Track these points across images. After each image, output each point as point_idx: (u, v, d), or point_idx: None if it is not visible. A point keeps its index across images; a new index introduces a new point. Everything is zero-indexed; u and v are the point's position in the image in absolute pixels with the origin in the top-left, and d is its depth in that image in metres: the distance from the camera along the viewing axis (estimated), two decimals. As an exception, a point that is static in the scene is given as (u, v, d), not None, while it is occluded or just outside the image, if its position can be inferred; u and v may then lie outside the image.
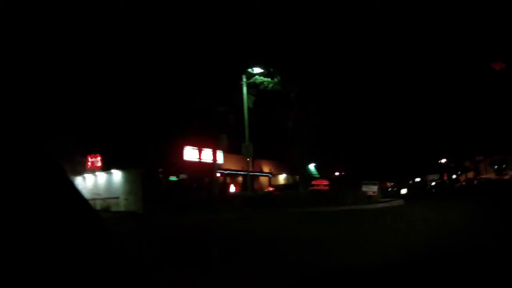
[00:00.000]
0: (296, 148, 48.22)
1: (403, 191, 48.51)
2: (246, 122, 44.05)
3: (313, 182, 60.78)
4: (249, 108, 46.12)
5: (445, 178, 73.99)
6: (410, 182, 59.29)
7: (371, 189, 38.07)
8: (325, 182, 57.80)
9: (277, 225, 23.71)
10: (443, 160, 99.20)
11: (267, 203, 37.86)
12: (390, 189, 48.87)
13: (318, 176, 73.43)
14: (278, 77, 45.16)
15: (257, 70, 44.70)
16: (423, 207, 33.69)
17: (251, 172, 65.75)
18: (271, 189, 59.39)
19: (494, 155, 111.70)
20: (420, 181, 66.43)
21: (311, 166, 76.50)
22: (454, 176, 79.98)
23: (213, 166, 52.87)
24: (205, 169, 55.57)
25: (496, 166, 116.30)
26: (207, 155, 55.27)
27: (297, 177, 73.31)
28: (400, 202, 37.95)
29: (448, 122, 77.79)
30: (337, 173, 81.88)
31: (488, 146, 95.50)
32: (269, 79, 45.33)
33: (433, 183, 69.97)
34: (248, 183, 47.81)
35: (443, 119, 76.46)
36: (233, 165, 62.97)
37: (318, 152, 68.32)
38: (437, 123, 75.65)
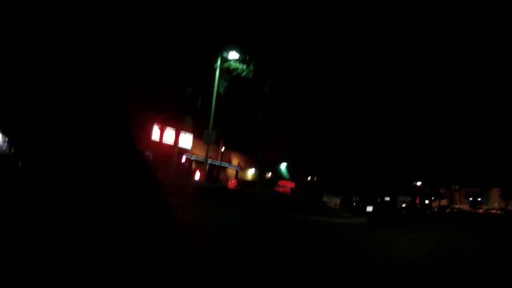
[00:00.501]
0: (261, 144, 43.70)
1: (369, 208, 43.22)
2: (213, 107, 39.59)
3: (280, 183, 57.18)
4: (220, 95, 41.49)
5: (417, 202, 69.21)
6: (378, 200, 53.79)
7: (333, 200, 33.63)
8: (291, 185, 53.57)
9: (207, 219, 20.54)
10: (418, 183, 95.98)
11: (217, 196, 33.03)
12: (355, 204, 43.60)
13: (287, 177, 69.43)
14: (253, 66, 40.60)
15: (232, 55, 39.96)
16: (388, 231, 28.80)
17: (219, 162, 62.20)
18: (233, 182, 54.52)
19: (471, 187, 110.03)
20: (389, 201, 60.85)
21: (282, 166, 72.52)
22: (426, 201, 75.50)
23: (174, 148, 48.29)
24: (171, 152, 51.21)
25: (471, 198, 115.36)
26: (171, 137, 50.79)
27: (268, 174, 69.58)
28: (363, 220, 33.04)
29: (429, 145, 74.82)
30: (310, 178, 76.98)
31: (466, 176, 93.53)
32: (243, 66, 40.72)
33: (404, 205, 64.53)
34: (205, 172, 43.72)
35: (424, 141, 73.41)
36: (201, 152, 58.27)
37: (289, 151, 64.59)
38: (418, 144, 72.38)
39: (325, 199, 34.10)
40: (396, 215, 50.00)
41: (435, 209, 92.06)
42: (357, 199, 45.83)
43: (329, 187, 38.70)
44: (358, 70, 46.05)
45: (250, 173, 69.74)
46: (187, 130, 53.01)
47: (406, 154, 71.35)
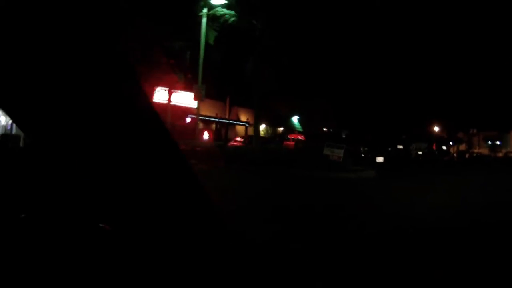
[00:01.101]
0: (255, 95, 40.44)
1: (379, 159, 38.15)
2: (201, 60, 35.95)
3: (289, 136, 55.28)
4: (211, 47, 37.67)
5: (434, 148, 64.19)
6: (390, 149, 47.97)
7: (335, 153, 29.45)
8: (301, 138, 49.96)
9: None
10: (436, 129, 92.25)
11: (212, 156, 29.37)
12: (363, 155, 38.22)
13: (299, 130, 65.90)
14: (238, 9, 36.87)
15: (219, 0, 35.63)
16: (402, 183, 24.53)
17: (227, 119, 58.88)
18: (238, 139, 50.86)
19: (489, 130, 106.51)
20: (402, 149, 54.73)
21: (294, 119, 69.06)
22: (444, 147, 70.33)
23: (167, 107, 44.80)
24: (179, 113, 47.76)
25: (490, 142, 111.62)
26: (179, 98, 47.26)
27: (280, 128, 66.08)
28: (371, 173, 28.60)
29: (444, 88, 71.45)
30: (325, 129, 72.64)
31: (484, 120, 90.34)
32: (232, 12, 36.62)
33: (420, 152, 58.95)
34: (197, 131, 41.56)
35: (439, 85, 70.08)
36: (208, 111, 54.97)
37: (300, 103, 61.23)
38: (433, 87, 68.79)
39: (326, 151, 29.91)
40: (411, 164, 44.79)
41: (454, 154, 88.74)
42: (365, 149, 40.16)
43: (332, 138, 34.61)
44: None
45: (261, 128, 66.04)
46: (179, 86, 48.21)
47: (421, 97, 68.08)
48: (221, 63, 42.88)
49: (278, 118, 63.85)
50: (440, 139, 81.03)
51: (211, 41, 38.19)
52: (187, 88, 46.61)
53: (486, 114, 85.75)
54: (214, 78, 44.99)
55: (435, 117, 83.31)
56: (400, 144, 54.32)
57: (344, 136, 55.47)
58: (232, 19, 37.00)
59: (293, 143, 48.59)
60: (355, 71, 57.15)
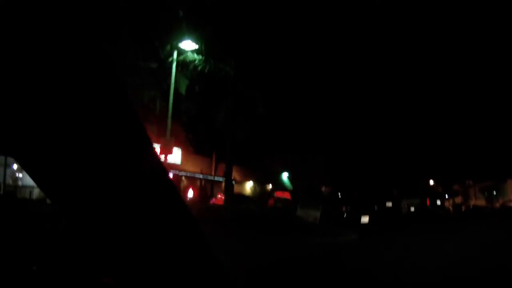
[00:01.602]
0: (226, 148, 38.10)
1: (364, 219, 33.54)
2: (170, 112, 33.07)
3: (275, 194, 53.25)
4: (181, 95, 35.03)
5: (428, 203, 60.17)
6: (376, 207, 43.05)
7: (310, 214, 26.14)
8: (286, 196, 47.04)
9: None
10: (431, 182, 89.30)
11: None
12: (346, 215, 33.83)
13: (289, 187, 62.98)
14: (204, 55, 34.27)
15: (188, 45, 32.57)
16: (386, 249, 21.15)
17: (212, 176, 56.19)
18: (220, 197, 47.73)
19: (484, 181, 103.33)
20: (392, 206, 49.99)
21: (284, 176, 66.08)
22: (438, 202, 66.65)
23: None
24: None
25: (486, 193, 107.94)
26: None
27: (269, 186, 63.14)
28: (351, 237, 24.81)
29: (437, 142, 69.18)
30: (317, 186, 69.31)
31: (479, 171, 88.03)
32: (201, 57, 33.84)
33: (412, 209, 54.20)
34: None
35: (432, 138, 67.77)
36: (193, 167, 52.26)
37: (290, 159, 58.78)
38: (425, 139, 66.35)
39: (299, 213, 26.70)
40: (401, 223, 40.55)
41: (450, 208, 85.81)
42: (348, 208, 35.50)
43: (306, 198, 31.35)
44: (354, 60, 40.96)
45: (249, 186, 63.00)
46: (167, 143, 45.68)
47: (414, 151, 65.63)
48: (197, 114, 41.42)
49: (266, 175, 61.11)
50: (434, 193, 77.31)
51: (183, 90, 35.49)
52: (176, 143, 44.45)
53: (481, 164, 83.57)
54: (199, 132, 42.91)
55: (429, 170, 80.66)
56: (389, 201, 49.53)
57: (327, 194, 52.19)
58: (202, 65, 34.19)
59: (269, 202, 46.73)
60: (344, 123, 54.89)
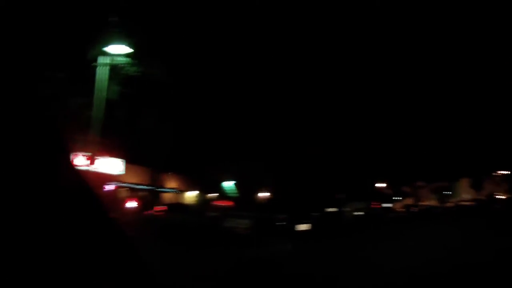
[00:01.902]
0: (149, 154, 36.46)
1: (302, 227, 30.77)
2: (95, 118, 30.44)
3: (216, 202, 51.90)
4: (113, 102, 32.52)
5: (374, 206, 57.92)
6: (315, 214, 38.82)
7: (240, 224, 23.98)
8: (229, 204, 44.94)
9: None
10: (381, 185, 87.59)
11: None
12: (281, 223, 30.78)
13: (235, 195, 60.73)
14: (132, 58, 31.97)
15: (116, 48, 29.99)
16: (321, 260, 19.00)
17: (154, 187, 54.17)
18: (159, 208, 45.26)
19: (437, 182, 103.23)
20: (334, 212, 46.54)
21: (228, 184, 63.76)
22: (385, 205, 64.07)
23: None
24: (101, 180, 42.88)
25: (438, 193, 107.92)
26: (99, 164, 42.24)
27: (215, 195, 61.00)
28: (285, 248, 22.34)
29: (386, 144, 67.60)
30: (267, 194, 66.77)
31: (430, 172, 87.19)
32: (130, 61, 31.46)
33: (358, 213, 51.67)
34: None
35: (380, 140, 66.13)
36: (134, 178, 49.99)
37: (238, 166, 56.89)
38: (374, 143, 64.70)
39: (228, 223, 24.52)
40: (344, 229, 38.22)
41: (402, 209, 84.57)
42: (283, 216, 32.17)
43: (237, 207, 29.16)
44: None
45: (191, 195, 60.85)
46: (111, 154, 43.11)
47: (360, 155, 63.81)
48: (132, 122, 38.58)
49: (212, 184, 59.15)
50: (382, 196, 75.11)
51: (115, 96, 33.18)
52: (111, 154, 42.17)
53: (432, 165, 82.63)
54: (141, 142, 41.18)
55: (378, 173, 78.94)
56: (331, 207, 46.39)
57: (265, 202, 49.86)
58: (131, 69, 31.90)
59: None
60: (287, 126, 53.30)
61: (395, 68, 58.13)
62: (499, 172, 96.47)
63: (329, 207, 44.69)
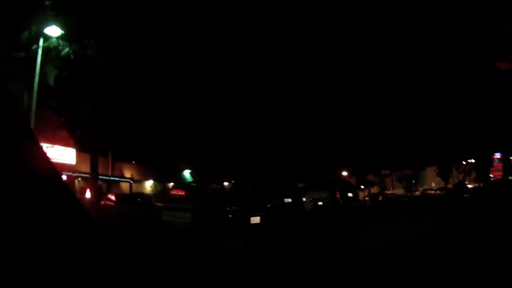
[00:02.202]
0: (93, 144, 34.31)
1: (254, 219, 26.81)
2: (34, 104, 27.75)
3: (172, 192, 47.48)
4: (50, 87, 29.75)
5: (338, 196, 54.13)
6: (269, 205, 33.88)
7: (180, 218, 21.17)
8: (181, 192, 42.30)
9: None
10: (344, 173, 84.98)
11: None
12: (231, 215, 26.80)
13: (194, 184, 58.23)
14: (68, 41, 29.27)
15: (54, 31, 27.30)
16: (274, 259, 16.16)
17: (108, 176, 51.81)
18: (110, 197, 42.38)
19: (402, 170, 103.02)
20: (292, 202, 41.97)
21: (186, 173, 61.47)
22: (350, 194, 60.59)
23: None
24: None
25: (404, 181, 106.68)
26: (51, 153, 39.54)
27: (170, 184, 58.35)
28: (236, 244, 19.28)
29: (350, 130, 65.66)
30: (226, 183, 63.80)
31: (396, 160, 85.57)
32: (66, 44, 28.82)
33: (320, 203, 47.79)
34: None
35: (344, 127, 64.16)
36: (86, 167, 47.44)
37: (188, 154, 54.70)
38: (337, 130, 62.64)
39: (165, 216, 21.78)
40: (303, 220, 34.96)
41: (366, 198, 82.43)
42: (234, 207, 27.99)
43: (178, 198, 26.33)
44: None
45: (149, 185, 58.18)
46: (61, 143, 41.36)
47: (321, 140, 61.56)
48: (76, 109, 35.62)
49: (168, 173, 56.73)
50: (346, 185, 71.52)
51: (51, 81, 30.27)
52: (64, 142, 40.80)
53: (398, 154, 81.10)
54: (92, 130, 38.95)
55: (341, 161, 76.70)
56: (288, 197, 42.59)
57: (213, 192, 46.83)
58: (66, 50, 29.14)
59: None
60: (246, 115, 51.43)
61: (364, 55, 57.42)
62: (467, 160, 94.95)
63: (285, 198, 41.22)
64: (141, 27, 34.22)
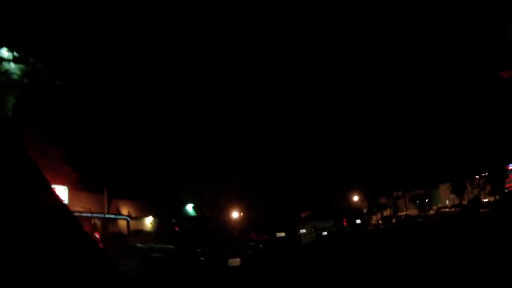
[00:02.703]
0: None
1: (234, 261, 19.84)
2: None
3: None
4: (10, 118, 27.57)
5: (345, 224, 49.30)
6: (252, 243, 27.65)
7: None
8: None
9: None
10: (355, 198, 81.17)
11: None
12: (204, 258, 21.34)
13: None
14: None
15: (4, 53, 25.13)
16: None
17: (103, 214, 49.73)
18: (96, 236, 39.26)
19: (415, 190, 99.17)
20: (285, 236, 35.93)
21: (189, 208, 58.52)
22: (358, 220, 55.46)
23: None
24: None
25: (418, 201, 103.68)
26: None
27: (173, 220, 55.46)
28: None
29: (357, 154, 62.84)
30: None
31: (407, 180, 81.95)
32: (16, 65, 26.52)
33: (325, 233, 43.05)
34: None
35: (351, 151, 61.31)
36: (83, 205, 47.07)
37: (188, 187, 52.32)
38: (342, 154, 59.85)
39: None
40: (301, 256, 29.22)
41: (380, 222, 79.43)
42: (207, 248, 21.22)
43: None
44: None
45: (148, 222, 55.31)
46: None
47: (327, 165, 58.52)
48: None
49: (169, 208, 54.04)
50: (353, 211, 66.10)
51: (9, 112, 27.91)
52: (57, 180, 38.59)
53: (409, 173, 78.16)
54: (89, 167, 37.65)
55: (351, 186, 73.41)
56: (281, 230, 36.29)
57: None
58: (17, 73, 26.82)
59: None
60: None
61: (369, 70, 55.58)
62: (481, 174, 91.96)
63: (278, 232, 35.57)
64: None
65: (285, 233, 34.87)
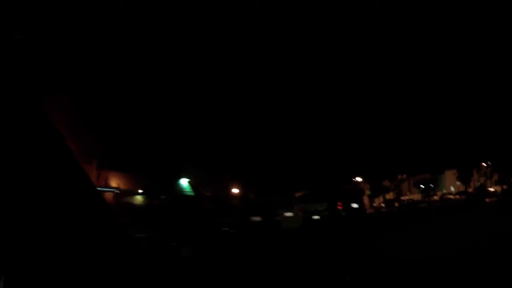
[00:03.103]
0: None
1: (186, 250, 17.62)
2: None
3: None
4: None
5: (340, 207, 44.59)
6: (216, 229, 25.06)
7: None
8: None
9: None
10: (359, 179, 78.41)
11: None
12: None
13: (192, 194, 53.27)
14: None
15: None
16: None
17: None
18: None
19: (420, 174, 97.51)
20: (261, 220, 32.35)
21: (183, 182, 55.81)
22: (355, 205, 50.54)
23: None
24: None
25: (422, 186, 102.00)
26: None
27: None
28: None
29: (362, 136, 60.94)
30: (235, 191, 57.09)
31: (412, 164, 79.98)
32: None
33: (316, 217, 38.87)
34: None
35: (356, 132, 59.35)
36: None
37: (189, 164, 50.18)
38: (347, 135, 57.91)
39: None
40: (278, 244, 24.89)
41: (382, 205, 77.00)
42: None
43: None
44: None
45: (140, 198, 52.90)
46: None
47: (334, 146, 56.57)
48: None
49: (160, 183, 51.74)
50: (349, 193, 60.37)
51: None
52: None
53: (415, 157, 76.11)
54: (78, 135, 35.43)
55: (354, 166, 71.07)
56: (257, 215, 32.24)
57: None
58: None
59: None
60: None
61: (373, 58, 54.65)
62: (488, 162, 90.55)
63: (254, 216, 31.59)
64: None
65: (261, 217, 31.75)
